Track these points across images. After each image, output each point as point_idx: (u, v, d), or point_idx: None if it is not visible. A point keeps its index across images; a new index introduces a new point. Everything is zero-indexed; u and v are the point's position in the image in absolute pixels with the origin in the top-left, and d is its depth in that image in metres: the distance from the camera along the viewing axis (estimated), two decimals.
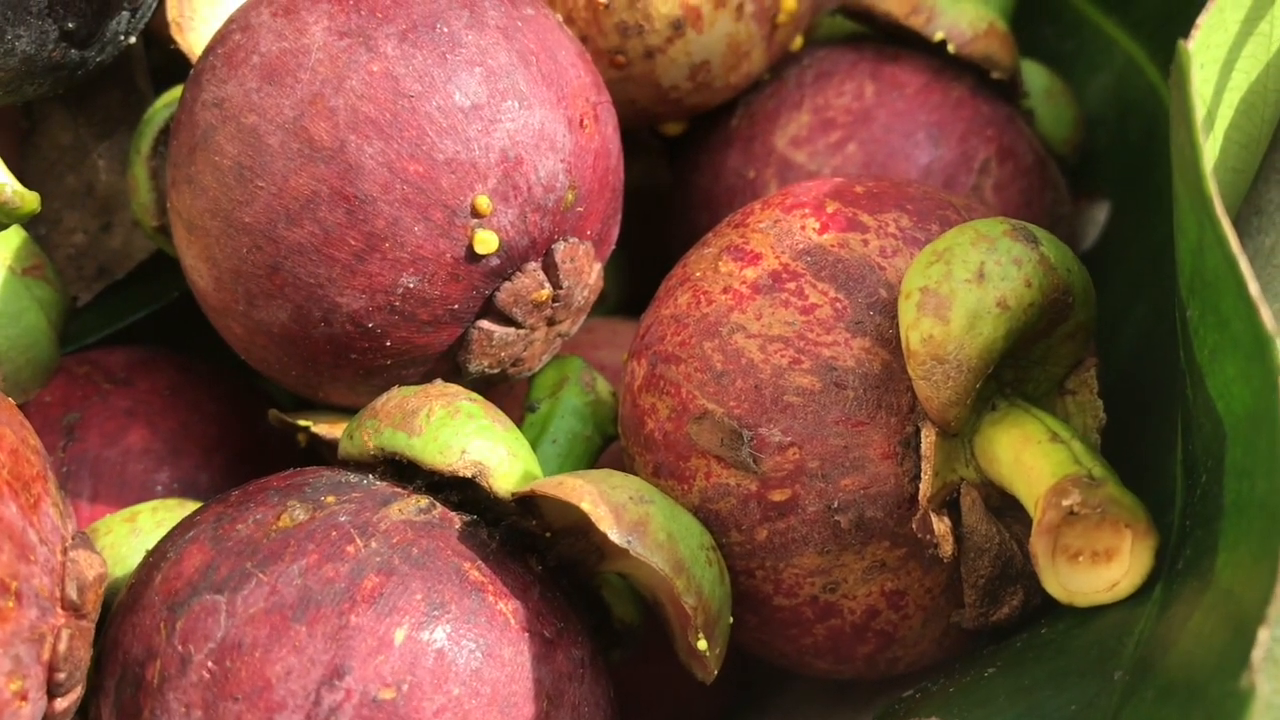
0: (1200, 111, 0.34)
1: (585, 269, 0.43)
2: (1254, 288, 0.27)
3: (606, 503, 0.35)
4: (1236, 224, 0.46)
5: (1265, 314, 0.26)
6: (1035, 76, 0.55)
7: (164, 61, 0.52)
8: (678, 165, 0.56)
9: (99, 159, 0.51)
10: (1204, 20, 0.33)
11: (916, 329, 0.35)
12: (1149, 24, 0.57)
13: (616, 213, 0.45)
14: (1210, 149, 0.36)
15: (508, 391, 0.49)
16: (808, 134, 0.51)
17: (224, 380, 0.50)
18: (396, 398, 0.39)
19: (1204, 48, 0.33)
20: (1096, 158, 0.58)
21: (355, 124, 0.38)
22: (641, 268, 0.62)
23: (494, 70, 0.40)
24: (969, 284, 0.35)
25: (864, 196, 0.40)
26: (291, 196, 0.39)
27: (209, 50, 0.42)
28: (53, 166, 0.53)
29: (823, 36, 0.56)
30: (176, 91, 0.47)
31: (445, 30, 0.40)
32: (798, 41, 0.52)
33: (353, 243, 0.39)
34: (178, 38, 0.47)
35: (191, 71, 0.42)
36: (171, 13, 0.47)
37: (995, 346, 0.35)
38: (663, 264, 0.58)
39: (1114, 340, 0.52)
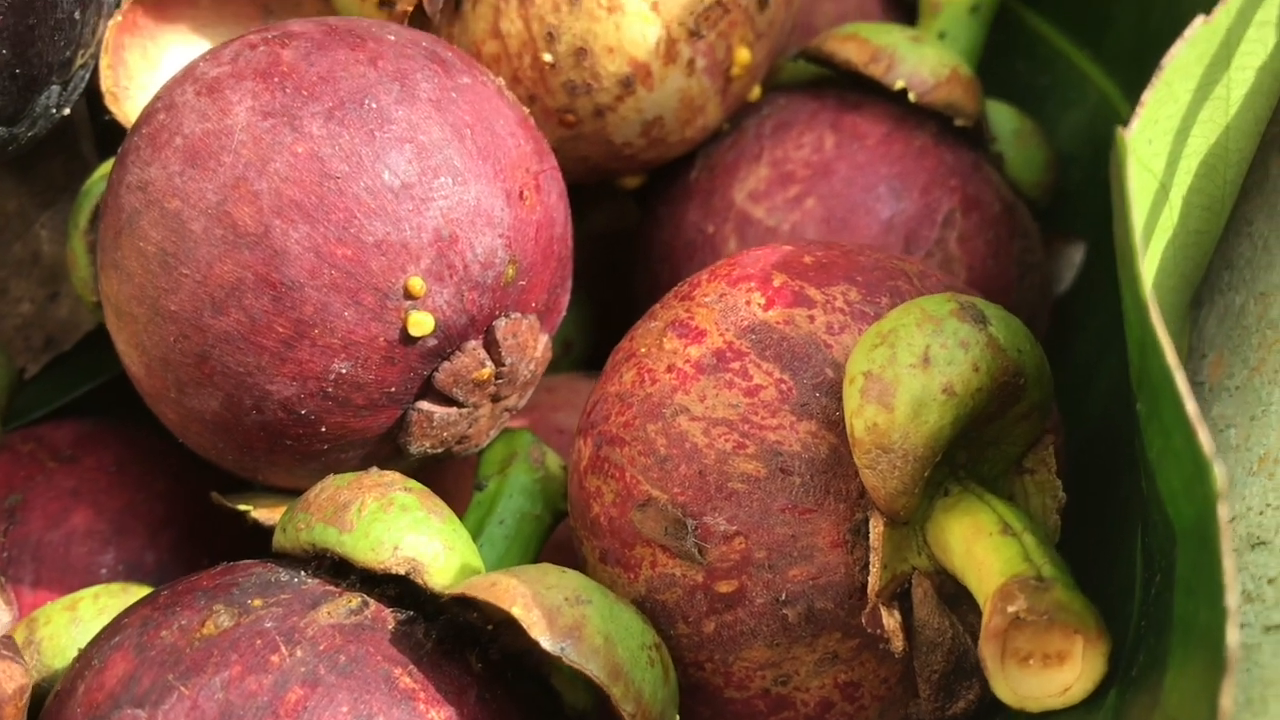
0: (1151, 187, 0.33)
1: (530, 343, 0.42)
2: (1191, 407, 0.25)
3: (540, 606, 0.34)
4: (1208, 278, 0.44)
5: (1203, 436, 0.25)
6: (1003, 118, 0.54)
7: (113, 122, 0.51)
8: (639, 218, 0.55)
9: (41, 229, 0.50)
10: (1149, 97, 0.31)
11: (860, 416, 0.34)
12: (1122, 59, 0.55)
13: (565, 280, 0.44)
14: (1167, 217, 0.34)
15: (463, 458, 0.47)
16: (766, 188, 0.50)
17: (173, 453, 0.49)
18: (330, 489, 0.38)
19: (1151, 122, 0.32)
20: (1071, 197, 0.57)
21: (280, 208, 0.37)
22: (608, 315, 0.60)
23: (426, 146, 0.38)
24: (914, 369, 0.34)
25: (812, 268, 0.39)
26: (216, 284, 0.38)
27: (135, 129, 0.40)
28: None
29: (785, 80, 0.54)
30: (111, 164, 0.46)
31: (374, 106, 0.38)
32: (755, 92, 0.51)
33: (280, 330, 0.38)
34: (113, 108, 0.46)
35: (118, 151, 0.41)
36: (106, 83, 0.46)
37: (942, 435, 0.34)
38: (630, 313, 0.56)
39: (1087, 394, 0.50)
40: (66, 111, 0.45)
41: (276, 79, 0.38)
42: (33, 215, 0.50)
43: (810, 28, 0.59)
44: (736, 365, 0.37)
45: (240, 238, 0.37)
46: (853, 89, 0.51)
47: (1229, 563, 0.24)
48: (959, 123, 0.50)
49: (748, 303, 0.38)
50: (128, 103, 0.46)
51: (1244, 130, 0.37)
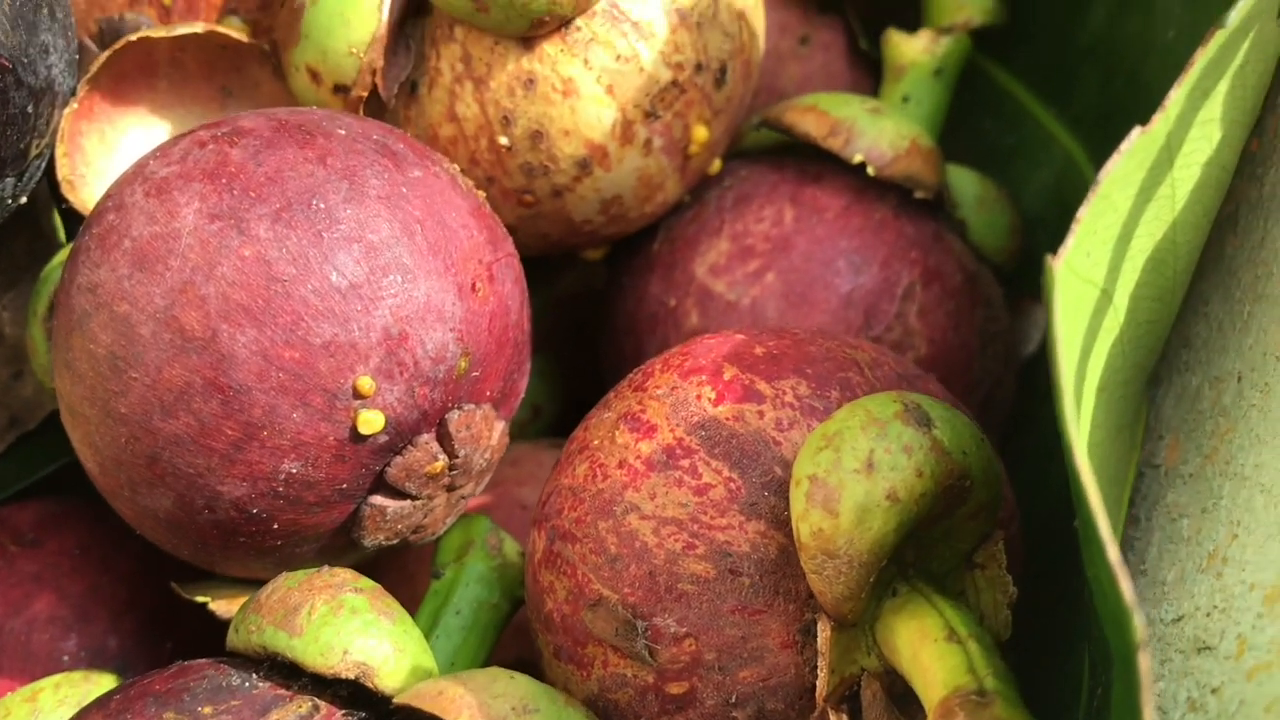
0: (1092, 296, 0.32)
1: (484, 434, 0.41)
2: (1113, 553, 0.25)
3: (486, 716, 0.34)
4: (1165, 356, 0.44)
5: (1125, 585, 0.25)
6: (966, 184, 0.54)
7: None
8: (601, 294, 0.55)
9: (3, 310, 0.50)
10: (1084, 213, 0.31)
11: (806, 521, 0.34)
12: (1088, 120, 0.55)
13: (522, 364, 0.44)
14: (1112, 319, 0.34)
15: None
16: (726, 262, 0.50)
17: (136, 534, 0.49)
18: (281, 590, 0.38)
19: (1089, 235, 0.32)
20: (1037, 259, 0.56)
21: (227, 312, 0.37)
22: (576, 378, 0.60)
23: (374, 245, 0.38)
24: (858, 475, 0.34)
25: (763, 360, 0.39)
26: (165, 388, 0.38)
27: (86, 227, 0.41)
28: None
29: (748, 146, 0.54)
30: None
31: (322, 206, 0.38)
32: (715, 165, 0.51)
33: (230, 433, 0.38)
34: (69, 196, 0.46)
35: (70, 249, 0.41)
36: (62, 171, 0.46)
37: (886, 540, 0.34)
38: (598, 376, 0.56)
39: (1051, 462, 0.50)
40: (23, 200, 0.45)
41: (224, 180, 0.38)
42: None
43: (775, 90, 0.59)
44: (686, 463, 0.37)
45: (188, 342, 0.37)
46: (813, 159, 0.51)
47: (1149, 712, 0.23)
48: (919, 194, 0.50)
49: (698, 397, 0.38)
50: (84, 189, 0.46)
51: (1192, 223, 0.37)
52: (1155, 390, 0.44)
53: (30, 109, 0.42)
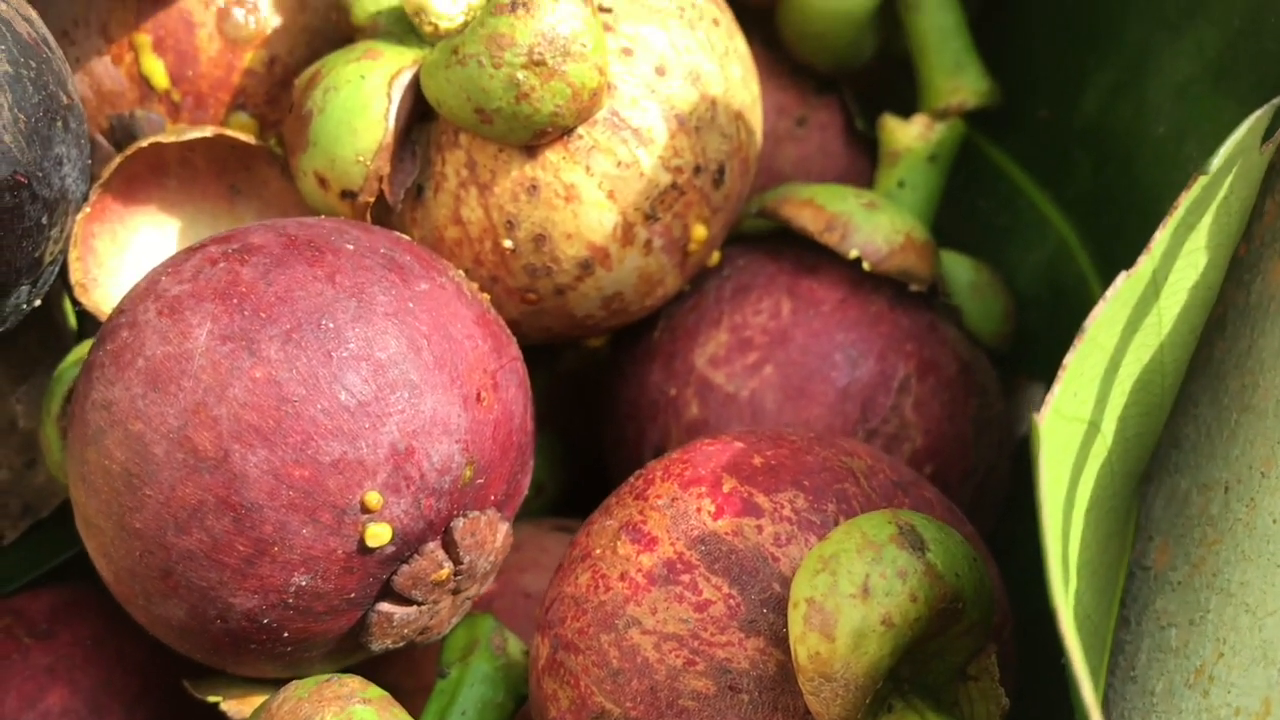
0: (1079, 431, 0.33)
1: (489, 539, 0.42)
2: (1088, 694, 0.26)
3: None
4: (1156, 454, 0.45)
5: None
6: (960, 271, 0.55)
7: None
8: (603, 372, 0.56)
9: (17, 404, 0.51)
10: (1070, 360, 0.32)
11: (804, 644, 0.35)
12: (1081, 204, 0.56)
13: (525, 465, 0.45)
14: (1100, 445, 0.35)
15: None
16: (726, 354, 0.51)
17: None
18: (292, 700, 0.39)
19: (1075, 377, 0.33)
20: (1031, 339, 0.57)
21: (239, 433, 0.38)
22: (579, 452, 0.61)
23: (382, 363, 0.39)
24: (854, 600, 0.35)
25: (761, 471, 0.40)
26: (179, 505, 0.39)
27: (100, 342, 0.41)
28: None
29: (746, 230, 0.55)
30: (86, 347, 0.47)
31: (330, 326, 0.39)
32: (715, 257, 0.52)
33: (241, 549, 0.39)
34: (82, 299, 0.47)
35: (84, 363, 0.42)
36: (75, 275, 0.47)
37: (882, 664, 0.35)
38: (601, 452, 0.57)
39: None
40: (37, 303, 0.46)
41: (235, 300, 0.39)
42: (8, 389, 0.51)
43: (773, 171, 0.60)
44: (686, 578, 0.38)
45: (201, 462, 0.38)
46: (810, 247, 0.52)
47: None
48: (914, 288, 0.51)
49: (698, 510, 0.39)
50: (96, 292, 0.47)
51: (1179, 341, 0.38)
52: (1146, 488, 0.45)
53: (44, 220, 0.43)
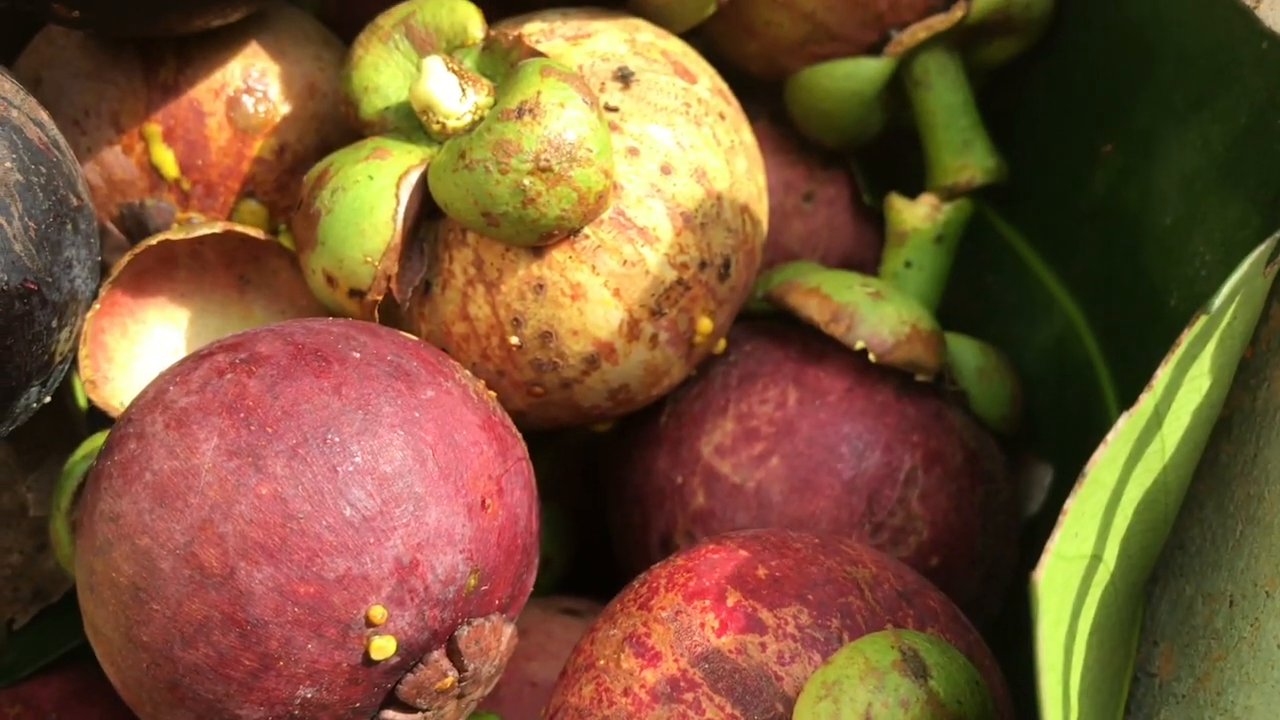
0: (1080, 566, 0.33)
1: (493, 645, 0.43)
2: None
3: None
4: (1161, 557, 0.45)
5: None
6: (967, 355, 0.55)
7: None
8: (611, 454, 0.56)
9: (28, 491, 0.52)
10: (1071, 505, 0.32)
11: None
12: (1088, 284, 0.56)
13: (530, 564, 0.45)
14: (1102, 573, 0.35)
15: None
16: (732, 443, 0.51)
17: None
18: None
19: (1077, 518, 0.33)
20: (1038, 419, 0.57)
21: (245, 550, 0.38)
22: (587, 525, 0.61)
23: (387, 476, 0.40)
24: None
25: (766, 584, 0.40)
26: (186, 621, 0.39)
27: (108, 451, 0.42)
28: None
29: (754, 309, 0.55)
30: (97, 440, 0.47)
31: (336, 440, 0.40)
32: (720, 345, 0.52)
33: (247, 663, 0.39)
34: (93, 395, 0.47)
35: (92, 470, 0.42)
36: (86, 372, 0.47)
37: None
38: (606, 526, 0.57)
39: None
40: (47, 400, 0.46)
41: (242, 414, 0.40)
42: (19, 476, 0.52)
43: (779, 247, 0.60)
44: (690, 697, 0.38)
45: (207, 578, 0.39)
46: (816, 334, 0.52)
47: None
48: (920, 378, 0.51)
49: (702, 625, 0.39)
50: (107, 387, 0.48)
51: (1183, 460, 0.38)
52: (1152, 588, 0.45)
53: (54, 323, 0.44)
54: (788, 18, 0.58)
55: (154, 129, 0.51)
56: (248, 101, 0.51)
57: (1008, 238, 0.61)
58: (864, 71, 0.58)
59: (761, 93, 0.62)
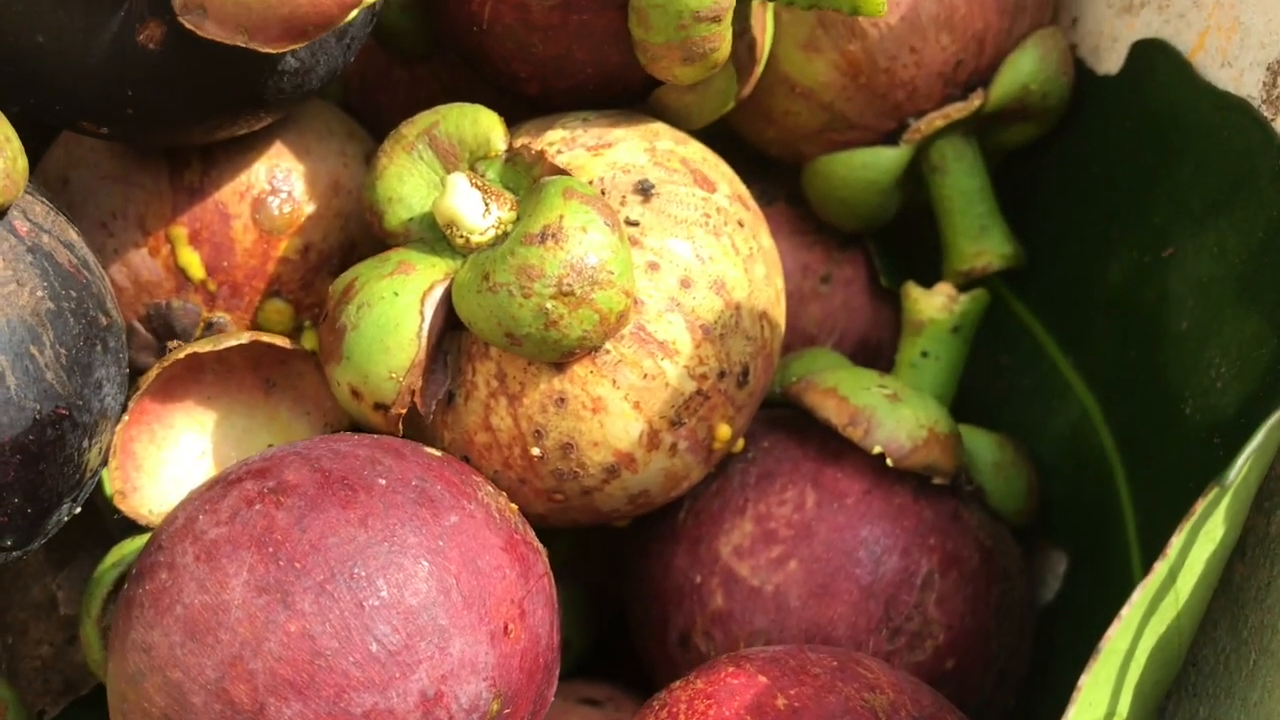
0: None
1: None
2: None
3: None
4: (1175, 682, 0.45)
5: None
6: (983, 450, 0.55)
7: None
8: (629, 548, 0.56)
9: (58, 589, 0.52)
10: (1086, 680, 0.33)
11: None
12: (1103, 375, 0.56)
13: (552, 679, 0.46)
14: (1123, 705, 0.36)
15: None
16: (750, 545, 0.51)
17: None
18: None
19: (1092, 688, 0.33)
20: (1053, 506, 0.58)
21: (274, 687, 0.39)
22: (605, 604, 0.62)
23: (412, 609, 0.40)
24: None
25: (785, 715, 0.41)
26: None
27: (139, 577, 0.43)
28: (18, 576, 0.54)
29: (773, 397, 0.56)
30: (126, 547, 0.48)
31: (362, 574, 0.40)
32: (739, 445, 0.52)
33: None
34: (122, 506, 0.48)
35: (124, 596, 0.43)
36: (115, 484, 0.48)
37: None
38: (624, 612, 0.58)
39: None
40: (78, 510, 0.47)
41: (271, 549, 0.40)
42: (49, 573, 0.53)
43: (797, 329, 0.61)
44: None
45: (238, 714, 0.39)
46: (834, 434, 0.53)
47: None
48: (937, 481, 0.52)
49: None
50: (135, 496, 0.48)
51: (1196, 603, 0.38)
52: (1166, 703, 0.46)
53: (85, 443, 0.45)
54: (806, 107, 0.58)
55: (180, 231, 0.52)
56: (273, 202, 0.52)
57: (1024, 320, 0.61)
58: (881, 161, 0.58)
59: (779, 173, 0.63)
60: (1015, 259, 0.59)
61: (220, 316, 0.53)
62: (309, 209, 0.53)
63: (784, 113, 0.59)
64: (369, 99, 0.60)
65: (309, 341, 0.54)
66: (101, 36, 0.43)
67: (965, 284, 0.60)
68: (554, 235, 0.44)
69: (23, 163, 0.43)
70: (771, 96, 0.58)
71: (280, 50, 0.42)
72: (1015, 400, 0.60)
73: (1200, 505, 0.34)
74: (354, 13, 0.42)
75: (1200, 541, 0.36)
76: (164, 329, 0.52)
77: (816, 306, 0.62)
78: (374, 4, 0.42)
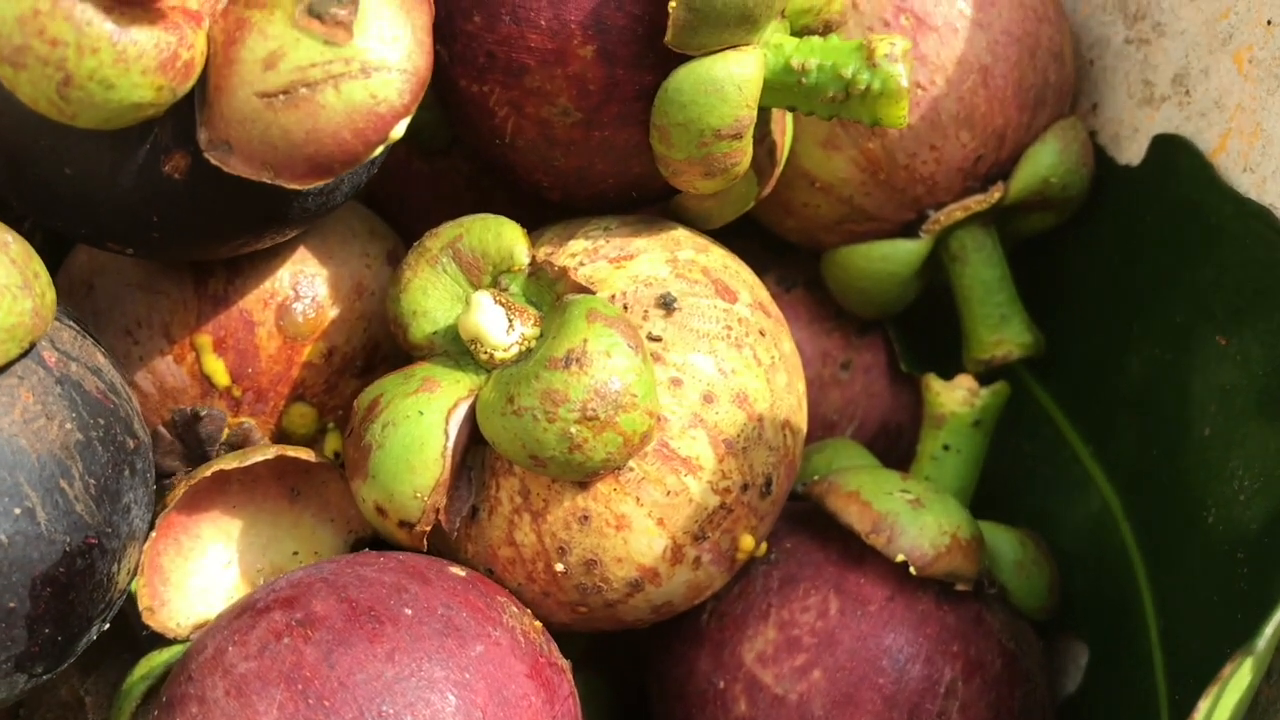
0: None
1: None
2: None
3: None
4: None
5: None
6: (1005, 548, 0.55)
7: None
8: (650, 644, 0.57)
9: (86, 694, 0.53)
10: None
11: None
12: (1124, 469, 0.56)
13: None
14: None
15: None
16: (774, 652, 0.52)
17: None
18: None
19: None
20: (1075, 598, 0.58)
21: None
22: (623, 691, 0.62)
23: None
24: None
25: None
26: None
27: (169, 707, 0.43)
28: None
29: (796, 488, 0.56)
30: (154, 660, 0.48)
31: (390, 711, 0.41)
32: (762, 549, 0.53)
33: None
34: (150, 622, 0.48)
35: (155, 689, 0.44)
36: (144, 601, 0.48)
37: None
38: (644, 692, 0.58)
39: None
40: (106, 628, 0.47)
41: (300, 685, 0.41)
42: (78, 675, 0.53)
43: (817, 417, 0.61)
44: None
45: None
46: (857, 538, 0.53)
47: None
48: (960, 587, 0.52)
49: None
50: (164, 610, 0.49)
51: None
52: None
53: (115, 568, 0.45)
54: (825, 201, 0.58)
55: (205, 340, 0.52)
56: (296, 309, 0.52)
57: (1046, 407, 0.61)
58: (901, 253, 0.58)
59: (798, 258, 0.63)
60: (1035, 348, 0.60)
61: (245, 421, 0.53)
62: (333, 313, 0.53)
63: (803, 205, 0.59)
64: (390, 191, 0.60)
65: (332, 443, 0.54)
66: (127, 168, 0.43)
67: (985, 372, 0.60)
68: (578, 360, 0.45)
69: (51, 296, 0.43)
70: (791, 190, 0.58)
71: (305, 187, 0.42)
72: (1036, 488, 0.60)
73: (1228, 670, 0.34)
74: (379, 150, 0.42)
75: (1228, 692, 0.36)
76: (189, 435, 0.53)
77: (837, 393, 0.62)
78: (399, 139, 0.42)
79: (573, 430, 0.45)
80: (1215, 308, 0.52)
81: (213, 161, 0.42)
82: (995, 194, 0.58)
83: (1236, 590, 0.47)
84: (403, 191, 0.61)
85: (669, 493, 0.47)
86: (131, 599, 0.52)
